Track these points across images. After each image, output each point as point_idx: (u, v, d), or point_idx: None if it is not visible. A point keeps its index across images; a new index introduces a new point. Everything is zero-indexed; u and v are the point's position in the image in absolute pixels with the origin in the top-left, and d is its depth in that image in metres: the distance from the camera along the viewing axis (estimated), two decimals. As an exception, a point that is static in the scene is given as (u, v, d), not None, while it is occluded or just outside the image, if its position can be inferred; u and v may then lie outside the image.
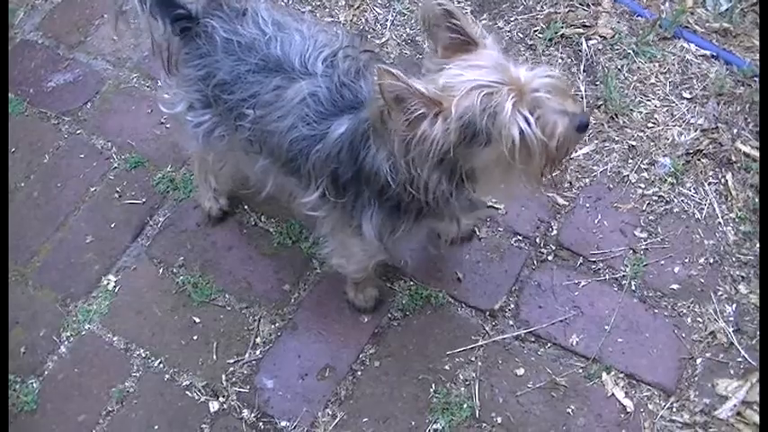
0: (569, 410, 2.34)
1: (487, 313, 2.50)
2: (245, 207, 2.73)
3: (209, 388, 2.46)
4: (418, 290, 2.54)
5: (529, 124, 1.69)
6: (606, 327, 2.44)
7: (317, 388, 2.43)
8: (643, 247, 2.56)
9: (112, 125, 2.96)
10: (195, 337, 2.54)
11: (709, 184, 2.65)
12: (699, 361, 2.38)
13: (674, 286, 2.50)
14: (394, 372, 2.44)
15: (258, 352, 2.50)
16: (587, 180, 2.69)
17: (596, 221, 2.62)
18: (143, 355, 2.53)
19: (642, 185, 2.67)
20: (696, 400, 2.33)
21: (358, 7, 3.11)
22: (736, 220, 2.58)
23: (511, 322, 2.48)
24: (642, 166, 2.70)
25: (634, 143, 2.73)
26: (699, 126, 2.74)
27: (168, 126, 2.87)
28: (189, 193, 2.78)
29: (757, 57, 2.83)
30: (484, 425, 2.34)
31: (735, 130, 2.72)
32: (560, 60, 2.89)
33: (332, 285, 2.56)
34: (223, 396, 2.44)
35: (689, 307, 2.46)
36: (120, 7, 2.18)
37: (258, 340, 2.52)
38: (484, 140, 1.72)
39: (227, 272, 2.64)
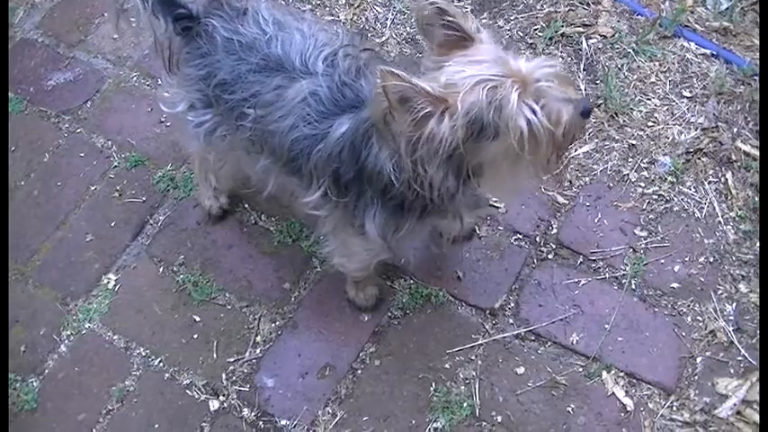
0: (569, 409, 2.34)
1: (488, 312, 2.50)
2: (246, 206, 2.73)
3: (210, 387, 2.46)
4: (418, 288, 2.54)
5: (535, 114, 1.71)
6: (606, 325, 2.45)
7: (318, 387, 2.43)
8: (643, 245, 2.56)
9: (112, 124, 2.96)
10: (195, 336, 2.54)
11: (710, 182, 2.65)
12: (699, 360, 2.38)
13: (675, 285, 2.50)
14: (394, 370, 2.44)
15: (258, 351, 2.50)
16: (587, 179, 2.69)
17: (596, 220, 2.62)
18: (143, 354, 2.53)
19: (642, 184, 2.67)
20: (696, 398, 2.33)
21: (358, 6, 3.11)
22: (737, 218, 2.59)
23: (511, 321, 2.48)
24: (642, 164, 2.70)
25: (634, 142, 2.74)
26: (699, 125, 2.74)
27: (168, 125, 2.87)
28: (189, 191, 2.78)
29: (757, 56, 2.84)
30: (484, 423, 2.34)
31: (735, 129, 2.72)
32: (560, 59, 2.89)
33: (332, 284, 2.56)
34: (223, 395, 2.44)
35: (689, 306, 2.46)
36: (122, 6, 2.18)
37: (258, 339, 2.52)
38: (492, 134, 1.72)
39: (228, 270, 2.64)
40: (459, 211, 2.03)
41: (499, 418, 2.34)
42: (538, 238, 2.60)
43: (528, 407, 2.35)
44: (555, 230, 2.62)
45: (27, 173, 2.88)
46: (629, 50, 2.90)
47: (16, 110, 3.03)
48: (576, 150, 2.70)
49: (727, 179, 2.65)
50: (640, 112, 2.79)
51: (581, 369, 2.39)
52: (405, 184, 1.85)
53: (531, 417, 2.34)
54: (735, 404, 2.30)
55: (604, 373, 2.38)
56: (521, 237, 2.61)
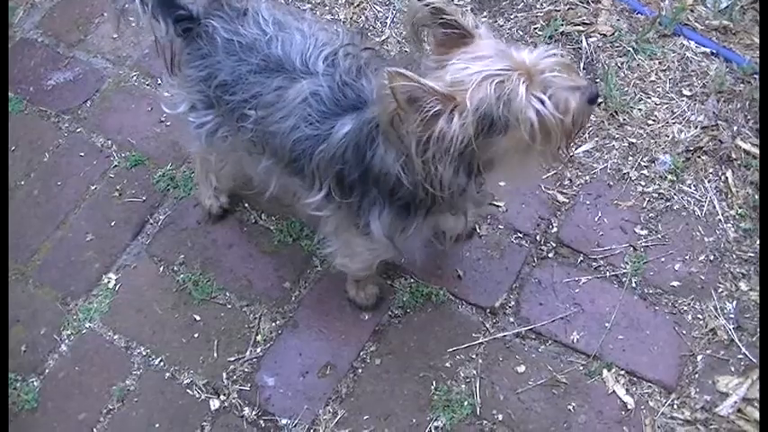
0: (570, 407, 2.34)
1: (488, 310, 2.50)
2: (246, 205, 2.73)
3: (210, 386, 2.46)
4: (419, 287, 2.54)
5: (544, 104, 1.71)
6: (607, 324, 2.45)
7: (318, 386, 2.43)
8: (643, 244, 2.56)
9: (112, 123, 2.96)
10: (196, 335, 2.54)
11: (710, 181, 2.66)
12: (699, 358, 2.38)
13: (675, 283, 2.50)
14: (395, 369, 2.44)
15: (259, 350, 2.50)
16: (587, 177, 2.69)
17: (596, 219, 2.62)
18: (144, 354, 2.53)
19: (642, 183, 2.67)
20: (697, 397, 2.33)
21: (358, 5, 3.11)
22: (737, 217, 2.59)
23: (511, 319, 2.49)
24: (642, 163, 2.70)
25: (634, 140, 2.74)
26: (699, 123, 2.74)
27: (168, 124, 2.87)
28: (189, 191, 2.78)
29: (757, 54, 2.84)
30: (485, 422, 2.34)
31: (735, 128, 2.72)
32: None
33: (332, 283, 2.56)
34: (224, 394, 2.44)
35: (689, 304, 2.46)
36: (121, 9, 2.18)
37: (259, 338, 2.52)
38: (502, 128, 1.73)
39: (228, 270, 2.64)
40: (466, 208, 2.03)
41: (500, 417, 2.34)
42: (538, 237, 2.61)
43: (529, 405, 2.35)
44: (555, 229, 2.62)
45: (27, 172, 2.88)
46: (628, 49, 2.90)
47: (16, 110, 3.03)
48: (576, 149, 2.70)
49: (727, 177, 2.65)
50: (640, 110, 2.79)
51: (581, 367, 2.40)
52: (414, 185, 1.84)
53: (532, 415, 2.34)
54: (735, 402, 2.31)
55: (605, 371, 2.38)
56: (521, 235, 2.61)
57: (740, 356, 2.38)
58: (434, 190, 1.81)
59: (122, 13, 2.19)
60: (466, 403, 2.37)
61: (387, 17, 3.08)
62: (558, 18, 2.98)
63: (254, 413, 2.41)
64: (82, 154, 2.90)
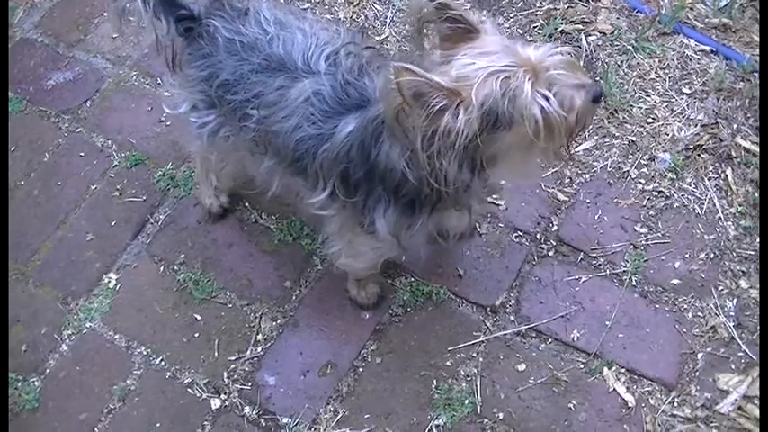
0: (571, 405, 2.35)
1: (488, 309, 2.50)
2: (246, 204, 2.73)
3: (211, 385, 2.46)
4: (419, 286, 2.55)
5: (549, 102, 1.71)
6: (607, 322, 2.45)
7: (319, 384, 2.43)
8: (643, 242, 2.57)
9: (112, 123, 2.96)
10: (196, 335, 2.54)
11: (710, 179, 2.66)
12: (700, 356, 2.39)
13: (675, 281, 2.50)
14: (395, 368, 2.44)
15: (259, 349, 2.50)
16: (587, 176, 2.70)
17: (596, 217, 2.62)
18: (144, 353, 2.53)
19: (642, 181, 2.67)
20: (697, 394, 2.33)
21: (357, 4, 3.11)
22: (737, 215, 2.59)
23: (512, 318, 2.49)
24: (642, 161, 2.70)
25: (634, 139, 2.74)
26: (699, 121, 2.75)
27: (168, 124, 2.87)
28: (189, 190, 2.78)
29: (757, 52, 2.84)
30: (485, 420, 2.34)
31: (734, 126, 2.72)
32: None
33: (333, 282, 2.56)
34: (225, 393, 2.45)
35: (689, 302, 2.46)
36: (122, 9, 2.18)
37: (259, 337, 2.52)
38: (506, 124, 1.73)
39: (228, 269, 2.64)
40: (470, 204, 2.04)
41: (501, 415, 2.35)
42: (538, 236, 2.61)
43: (529, 403, 2.36)
44: (555, 227, 2.62)
45: (27, 172, 2.88)
46: (628, 47, 2.90)
47: (16, 110, 3.03)
48: (576, 147, 2.70)
49: (727, 175, 2.65)
50: (640, 108, 2.79)
51: (582, 366, 2.40)
52: (419, 180, 1.85)
53: (533, 413, 2.34)
54: (736, 399, 2.31)
55: (605, 369, 2.39)
56: (521, 234, 2.62)
57: (740, 354, 2.38)
58: (439, 185, 1.81)
59: (123, 13, 2.19)
60: (466, 402, 2.37)
61: (386, 16, 3.08)
62: (557, 16, 2.98)
63: (254, 412, 2.42)
64: (82, 154, 2.90)
